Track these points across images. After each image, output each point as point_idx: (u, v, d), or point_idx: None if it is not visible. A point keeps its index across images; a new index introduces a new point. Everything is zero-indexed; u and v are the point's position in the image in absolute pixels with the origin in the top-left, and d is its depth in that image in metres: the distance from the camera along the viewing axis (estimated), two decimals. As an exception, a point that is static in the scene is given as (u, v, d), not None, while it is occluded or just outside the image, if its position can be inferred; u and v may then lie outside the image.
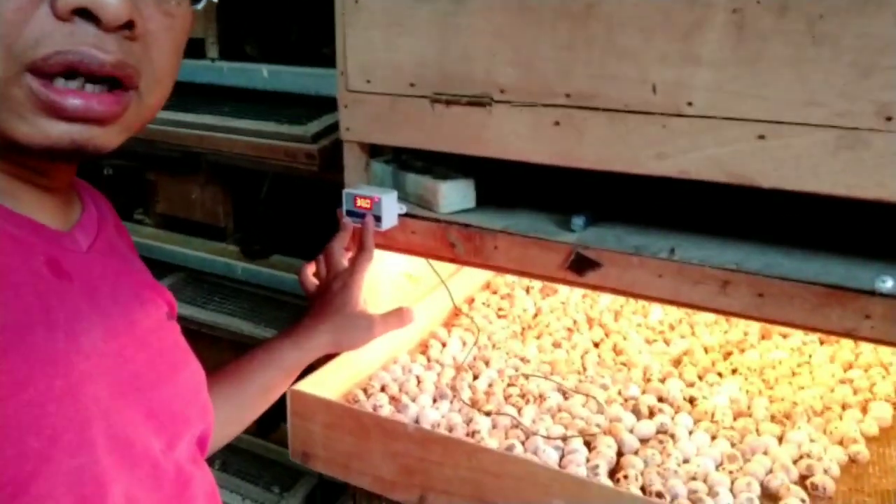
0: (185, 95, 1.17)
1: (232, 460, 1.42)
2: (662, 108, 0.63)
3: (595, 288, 0.70)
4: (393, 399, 0.85)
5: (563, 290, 1.19)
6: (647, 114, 0.63)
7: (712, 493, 0.68)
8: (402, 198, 0.82)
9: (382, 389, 0.87)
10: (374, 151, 0.87)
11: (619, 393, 0.87)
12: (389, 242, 0.82)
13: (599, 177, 0.69)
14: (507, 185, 0.84)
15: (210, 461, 1.53)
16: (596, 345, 1.02)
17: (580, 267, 0.70)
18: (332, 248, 0.80)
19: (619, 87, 0.64)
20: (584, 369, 0.94)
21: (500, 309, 1.12)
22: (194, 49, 1.16)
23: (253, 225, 1.29)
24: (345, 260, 0.79)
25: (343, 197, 0.79)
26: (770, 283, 0.61)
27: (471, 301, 1.14)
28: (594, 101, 0.65)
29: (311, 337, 0.75)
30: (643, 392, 0.87)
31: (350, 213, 0.79)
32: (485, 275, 1.23)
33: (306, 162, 0.97)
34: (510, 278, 1.25)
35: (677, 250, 0.67)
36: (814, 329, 0.60)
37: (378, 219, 0.77)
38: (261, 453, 1.39)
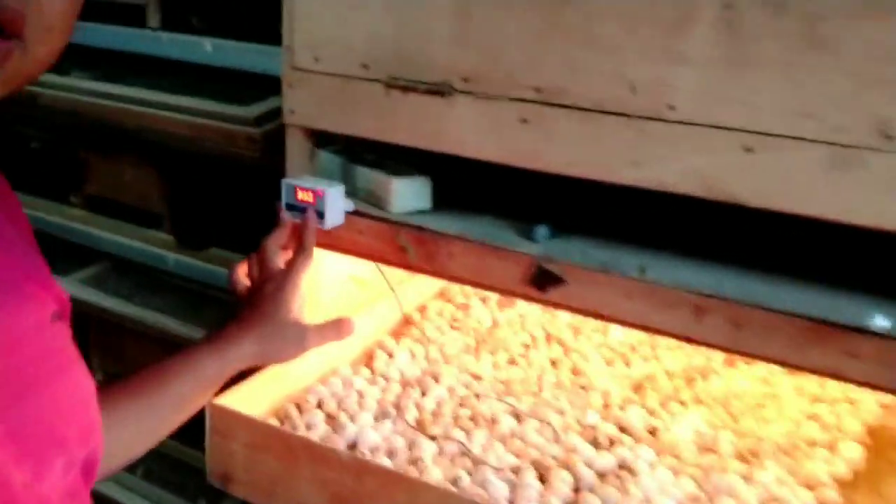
0: (119, 66, 1.07)
1: (155, 468, 1.31)
2: (641, 110, 0.56)
3: (557, 306, 0.63)
4: (329, 417, 0.76)
5: (522, 302, 1.12)
6: (623, 115, 0.57)
7: (673, 538, 0.61)
8: (350, 193, 0.74)
9: (319, 406, 0.79)
10: (322, 140, 0.78)
11: (578, 421, 0.80)
12: (333, 242, 0.73)
13: (567, 181, 0.62)
14: (467, 187, 0.77)
15: (131, 468, 1.41)
16: (553, 363, 0.95)
17: (542, 282, 0.63)
18: (266, 246, 0.70)
19: (594, 84, 0.57)
20: (540, 390, 0.87)
21: (454, 319, 1.05)
22: (134, 16, 1.05)
23: (191, 212, 1.18)
24: (280, 260, 0.70)
25: (282, 188, 0.71)
26: (748, 312, 0.55)
27: (423, 309, 1.06)
28: (566, 97, 0.58)
29: (235, 346, 0.65)
30: (603, 419, 0.81)
31: (290, 207, 0.71)
32: (440, 282, 1.16)
33: (247, 147, 0.88)
34: (467, 287, 1.18)
35: (648, 269, 0.60)
36: (796, 367, 0.54)
37: (321, 215, 0.69)
38: (187, 461, 1.29)
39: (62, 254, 1.26)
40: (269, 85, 0.88)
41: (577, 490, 0.67)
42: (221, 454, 0.68)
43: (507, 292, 0.65)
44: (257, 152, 0.88)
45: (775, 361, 0.54)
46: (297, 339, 0.68)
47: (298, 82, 0.70)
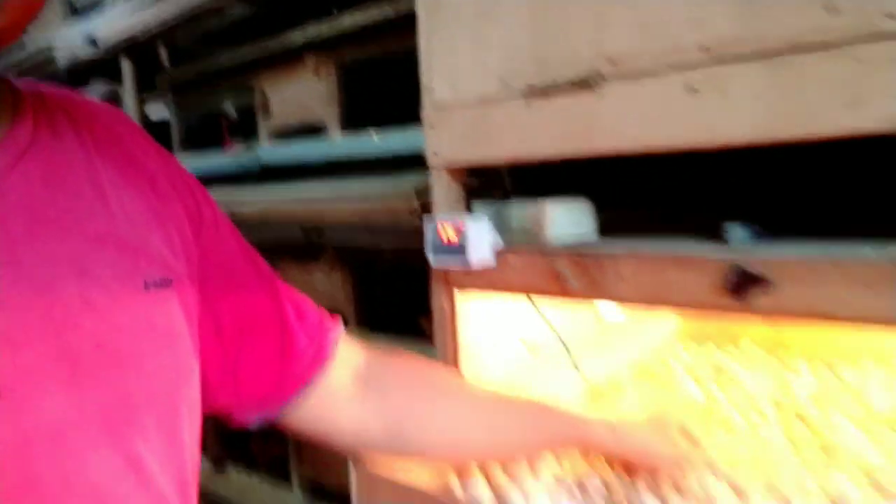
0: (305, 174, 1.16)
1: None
2: (847, 31, 0.43)
3: (767, 315, 0.47)
4: (494, 489, 0.64)
5: (742, 374, 0.92)
6: (824, 47, 0.44)
7: None
8: (507, 237, 0.66)
9: (481, 469, 0.67)
10: (477, 192, 0.74)
11: (830, 498, 0.59)
12: (486, 283, 0.65)
13: (747, 176, 0.49)
14: (632, 212, 0.66)
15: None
16: (791, 441, 0.73)
17: (741, 287, 0.48)
18: None
19: (780, 17, 0.45)
20: (772, 463, 0.67)
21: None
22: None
23: (372, 307, 1.19)
24: None
25: (426, 231, 0.65)
26: None
27: (616, 384, 0.91)
28: (743, 44, 0.47)
29: (587, 421, 0.63)
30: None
31: (437, 251, 0.65)
32: (635, 354, 1.00)
33: (410, 218, 0.86)
34: (671, 362, 1.00)
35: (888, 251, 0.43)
36: None
37: (464, 251, 0.62)
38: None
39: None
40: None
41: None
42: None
43: (696, 305, 0.51)
44: (419, 220, 0.86)
45: None
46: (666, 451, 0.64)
47: (439, 121, 0.66)
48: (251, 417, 0.56)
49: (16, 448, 0.37)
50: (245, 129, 1.54)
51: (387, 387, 0.59)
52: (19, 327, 0.38)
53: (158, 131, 1.63)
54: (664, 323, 1.09)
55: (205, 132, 1.57)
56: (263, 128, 1.30)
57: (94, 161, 0.45)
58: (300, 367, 0.55)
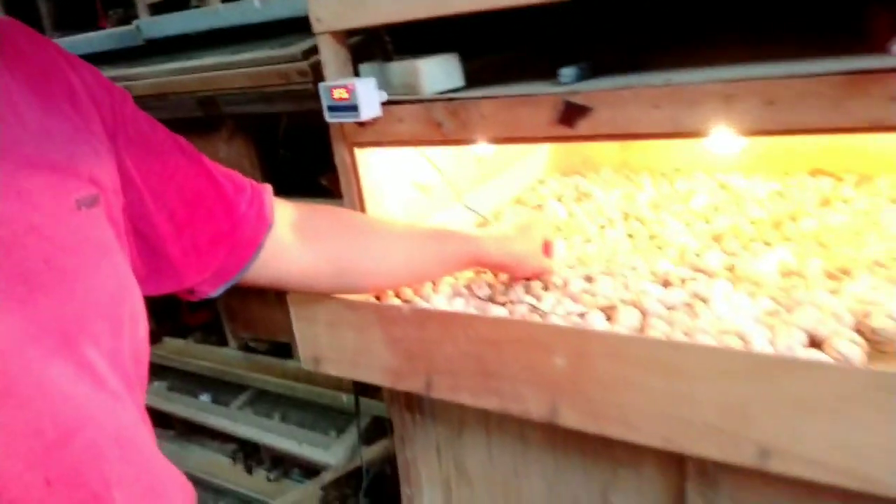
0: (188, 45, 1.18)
1: (290, 413, 1.44)
2: None
3: (589, 138, 0.63)
4: (405, 301, 0.81)
5: (598, 194, 1.11)
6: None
7: (747, 345, 0.59)
8: (391, 91, 0.77)
9: (396, 295, 0.83)
10: (361, 54, 0.83)
11: (650, 272, 0.79)
12: (378, 137, 0.77)
13: (592, 32, 0.61)
14: (497, 61, 0.78)
15: (269, 415, 1.54)
16: (630, 236, 0.94)
17: (570, 116, 0.63)
18: None
19: None
20: (615, 255, 0.87)
21: (527, 216, 1.06)
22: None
23: (277, 171, 1.28)
24: None
25: (320, 92, 0.75)
26: (779, 85, 0.52)
27: (498, 214, 1.08)
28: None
29: (481, 238, 0.75)
30: (676, 265, 0.79)
31: (331, 109, 0.76)
32: (514, 188, 1.17)
33: (300, 80, 0.94)
34: (542, 190, 1.18)
35: (674, 79, 0.59)
36: (838, 130, 0.51)
37: (356, 108, 0.73)
38: (316, 400, 1.40)
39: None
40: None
41: (643, 320, 0.67)
42: (308, 338, 0.74)
43: (540, 139, 0.66)
44: (309, 83, 0.95)
45: (815, 129, 0.51)
46: (535, 260, 0.78)
47: (319, -11, 0.74)
48: (215, 287, 0.63)
49: None
50: (117, 1, 1.49)
51: (321, 233, 0.68)
52: None
53: (24, 12, 1.54)
54: (538, 160, 1.25)
55: (77, 10, 1.50)
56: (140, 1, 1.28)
57: (8, 83, 0.46)
58: (248, 233, 0.63)
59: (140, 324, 0.52)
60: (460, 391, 0.66)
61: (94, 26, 1.52)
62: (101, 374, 0.47)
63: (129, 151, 0.55)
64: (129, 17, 1.37)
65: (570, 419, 0.60)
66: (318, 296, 0.72)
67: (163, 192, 0.57)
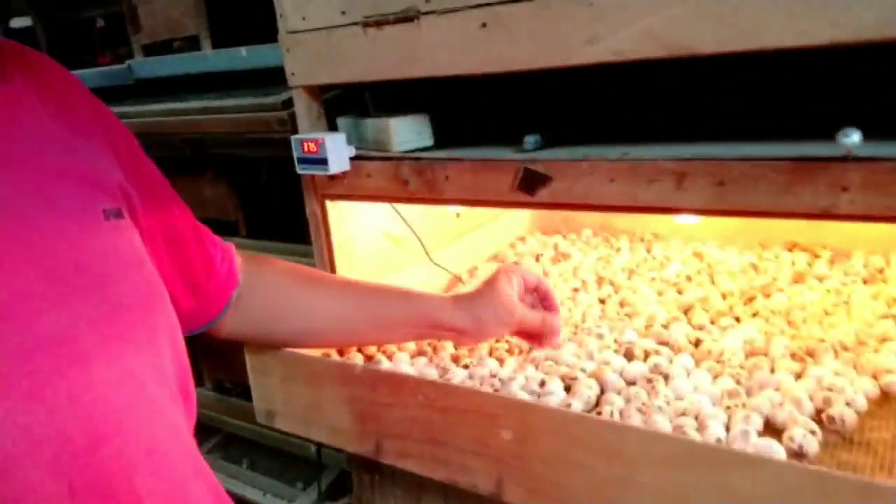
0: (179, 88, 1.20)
1: (259, 460, 1.40)
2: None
3: (548, 206, 0.62)
4: (368, 358, 0.79)
5: (576, 255, 1.10)
6: (575, -4, 0.56)
7: (702, 427, 0.58)
8: (362, 147, 0.78)
9: (359, 351, 0.82)
10: (338, 107, 0.84)
11: (615, 341, 0.78)
12: (347, 191, 0.77)
13: (558, 103, 0.62)
14: (468, 124, 0.79)
15: (238, 460, 1.51)
16: (602, 301, 0.93)
17: (530, 184, 0.63)
18: None
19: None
20: (584, 321, 0.86)
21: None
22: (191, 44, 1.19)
23: (259, 213, 1.28)
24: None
25: (293, 144, 0.76)
26: (730, 167, 0.52)
27: (473, 270, 1.07)
28: (517, -9, 0.58)
29: (447, 304, 0.70)
30: (642, 337, 0.78)
31: (301, 161, 0.76)
32: (492, 245, 1.17)
33: (280, 129, 0.94)
34: (521, 248, 1.17)
35: (630, 153, 0.59)
36: (786, 214, 0.50)
37: (324, 161, 0.73)
38: (285, 448, 1.36)
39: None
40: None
41: (601, 394, 0.65)
42: (263, 391, 0.73)
43: (501, 203, 0.66)
44: (288, 132, 0.95)
45: (764, 213, 0.51)
46: (508, 316, 0.70)
47: (294, 45, 0.75)
48: (189, 329, 0.63)
49: (21, 364, 0.39)
50: (115, 40, 1.52)
51: (260, 291, 0.67)
52: (4, 254, 0.40)
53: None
54: (518, 217, 1.25)
55: (74, 43, 1.53)
56: (135, 41, 1.31)
57: (43, 104, 0.48)
58: (220, 287, 0.64)
59: (177, 334, 0.52)
60: (409, 458, 0.64)
61: (94, 63, 1.55)
62: (143, 381, 0.45)
63: (133, 186, 0.55)
64: (127, 55, 1.39)
65: (516, 495, 0.58)
66: (274, 348, 0.71)
67: (154, 232, 0.58)
